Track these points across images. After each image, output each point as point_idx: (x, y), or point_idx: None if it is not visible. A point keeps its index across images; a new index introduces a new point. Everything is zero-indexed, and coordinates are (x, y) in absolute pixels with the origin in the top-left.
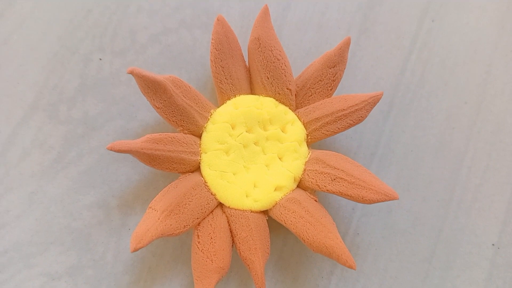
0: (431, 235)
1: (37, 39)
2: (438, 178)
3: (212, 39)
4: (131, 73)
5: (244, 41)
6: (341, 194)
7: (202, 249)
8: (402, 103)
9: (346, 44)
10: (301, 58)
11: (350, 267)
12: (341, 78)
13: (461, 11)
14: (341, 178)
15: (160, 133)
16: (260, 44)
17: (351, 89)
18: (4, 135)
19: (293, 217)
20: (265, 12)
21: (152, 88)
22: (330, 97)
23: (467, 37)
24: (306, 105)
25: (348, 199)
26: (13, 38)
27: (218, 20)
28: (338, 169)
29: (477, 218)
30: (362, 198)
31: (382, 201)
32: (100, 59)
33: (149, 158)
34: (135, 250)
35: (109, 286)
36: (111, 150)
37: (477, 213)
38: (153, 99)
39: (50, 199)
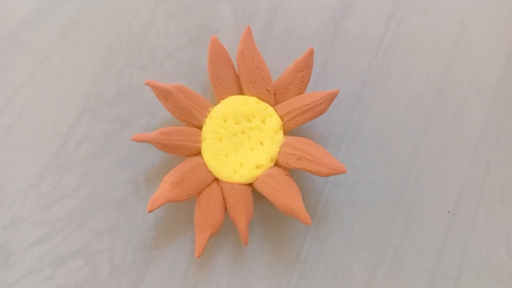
0: (391, 203)
1: (85, 60)
2: (399, 157)
3: (208, 54)
4: (148, 84)
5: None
6: (304, 169)
7: (201, 211)
8: (369, 95)
9: (310, 53)
10: (285, 64)
11: (306, 223)
12: (309, 79)
13: (424, 13)
14: (304, 158)
15: (170, 127)
16: (244, 56)
17: (326, 85)
18: (63, 131)
19: (268, 188)
20: (248, 31)
21: (163, 94)
22: (301, 94)
23: (429, 36)
24: (282, 102)
25: (310, 173)
26: (68, 60)
27: (212, 40)
28: (302, 151)
29: (433, 189)
30: (319, 172)
31: (334, 174)
32: (130, 72)
33: (162, 145)
34: (150, 211)
35: (138, 239)
36: (134, 140)
37: (433, 185)
38: (164, 102)
39: (97, 177)
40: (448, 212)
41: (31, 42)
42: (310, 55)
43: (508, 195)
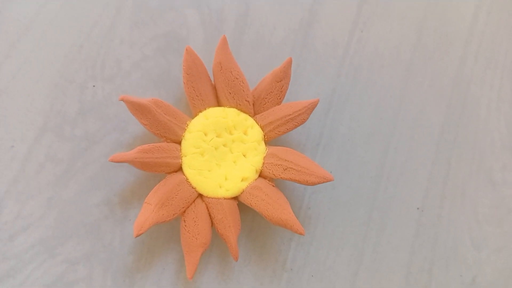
0: (367, 204)
1: (40, 73)
2: (371, 159)
3: (183, 65)
4: (123, 100)
5: (209, 62)
6: (291, 180)
7: (188, 230)
8: (339, 101)
9: (289, 63)
10: (256, 72)
11: (300, 233)
12: (287, 89)
13: (384, 20)
14: (291, 168)
15: (149, 144)
16: (221, 67)
17: (298, 93)
18: (21, 153)
19: (256, 200)
20: (224, 41)
21: (139, 110)
22: (280, 104)
23: (390, 42)
24: (261, 112)
25: (297, 183)
26: (20, 74)
27: (186, 50)
28: (288, 161)
29: (403, 188)
30: (307, 182)
31: (322, 182)
32: (94, 85)
33: (141, 165)
34: (138, 235)
35: (117, 265)
36: (112, 161)
37: (403, 184)
38: (141, 118)
39: (65, 202)
40: (418, 208)
41: None
42: (288, 65)
43: (468, 188)
